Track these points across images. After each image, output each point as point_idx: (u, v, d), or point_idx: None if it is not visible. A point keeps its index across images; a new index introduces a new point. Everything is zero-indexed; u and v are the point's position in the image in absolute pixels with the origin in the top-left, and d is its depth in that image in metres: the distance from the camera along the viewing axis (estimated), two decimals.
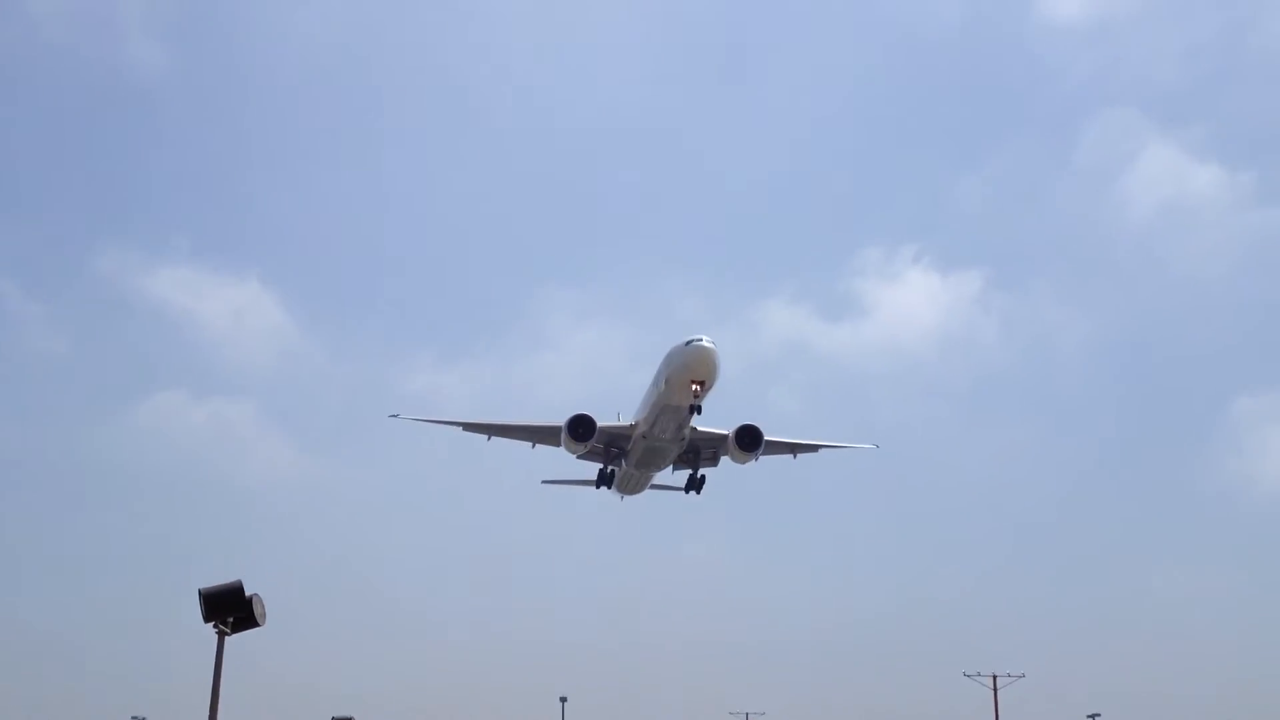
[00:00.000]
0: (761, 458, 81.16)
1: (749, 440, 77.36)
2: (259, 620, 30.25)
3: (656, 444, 77.43)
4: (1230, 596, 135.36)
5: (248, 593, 29.80)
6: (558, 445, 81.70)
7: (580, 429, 76.05)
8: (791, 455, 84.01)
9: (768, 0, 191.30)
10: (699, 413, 70.35)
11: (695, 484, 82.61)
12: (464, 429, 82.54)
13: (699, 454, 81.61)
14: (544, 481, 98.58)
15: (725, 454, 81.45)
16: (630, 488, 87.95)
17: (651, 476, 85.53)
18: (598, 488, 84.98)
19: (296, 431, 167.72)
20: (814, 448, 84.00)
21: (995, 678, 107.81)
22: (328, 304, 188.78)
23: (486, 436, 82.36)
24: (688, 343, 68.77)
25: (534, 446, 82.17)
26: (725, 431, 78.64)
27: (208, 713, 29.17)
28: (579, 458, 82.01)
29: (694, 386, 68.72)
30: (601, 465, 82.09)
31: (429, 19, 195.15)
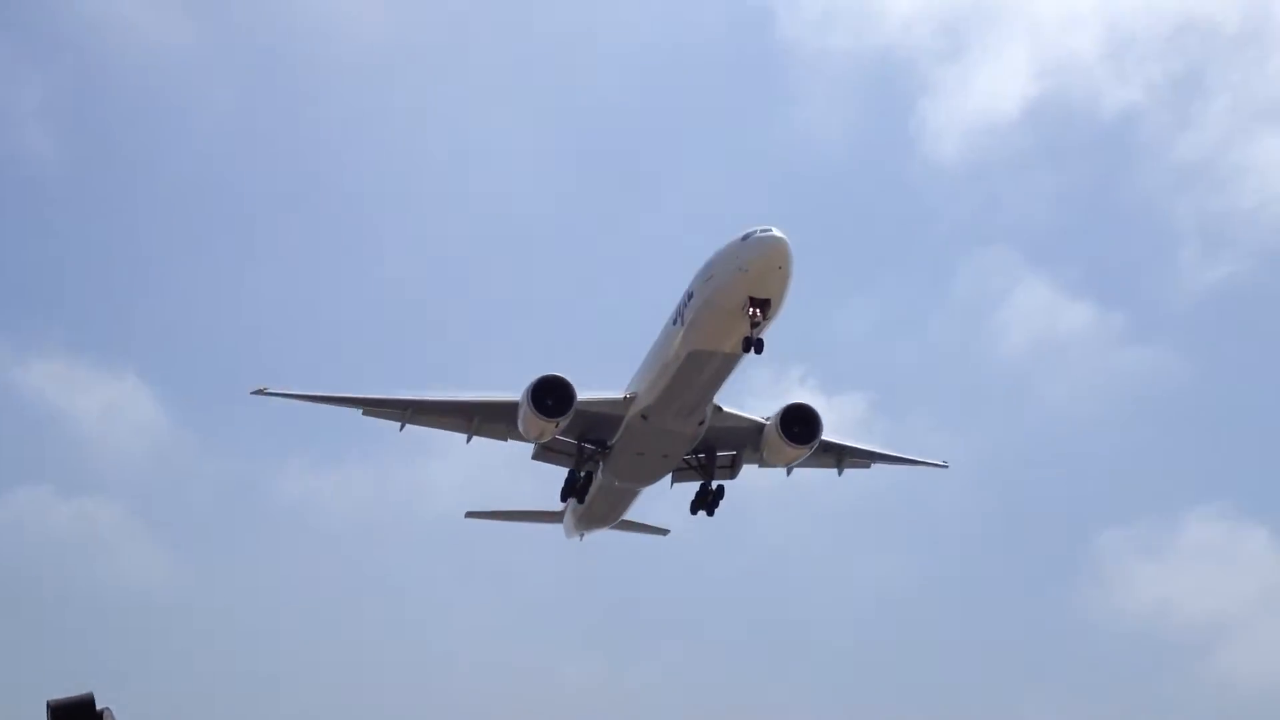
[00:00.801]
0: (798, 468, 56.35)
1: (801, 428, 51.72)
2: None
3: (660, 431, 51.16)
4: None
5: (99, 706, 22.70)
6: (504, 438, 55.26)
7: (550, 399, 49.55)
8: (836, 470, 58.58)
9: (661, 130, 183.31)
10: (758, 350, 44.05)
11: (707, 501, 56.12)
12: (365, 411, 55.36)
13: (714, 457, 55.57)
14: (469, 515, 71.85)
15: (747, 461, 55.86)
16: (600, 515, 61.24)
17: (636, 494, 59.00)
18: (564, 500, 57.91)
19: (166, 532, 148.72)
20: (868, 458, 58.59)
21: None
22: (204, 402, 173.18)
23: (399, 425, 55.41)
24: (745, 237, 43.09)
25: (469, 439, 55.47)
26: (760, 418, 52.95)
27: None
28: (537, 454, 55.53)
29: (752, 310, 42.77)
30: (571, 468, 55.35)
31: (314, 123, 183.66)
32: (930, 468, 60.90)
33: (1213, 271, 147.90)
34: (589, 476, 54.95)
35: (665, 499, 61.85)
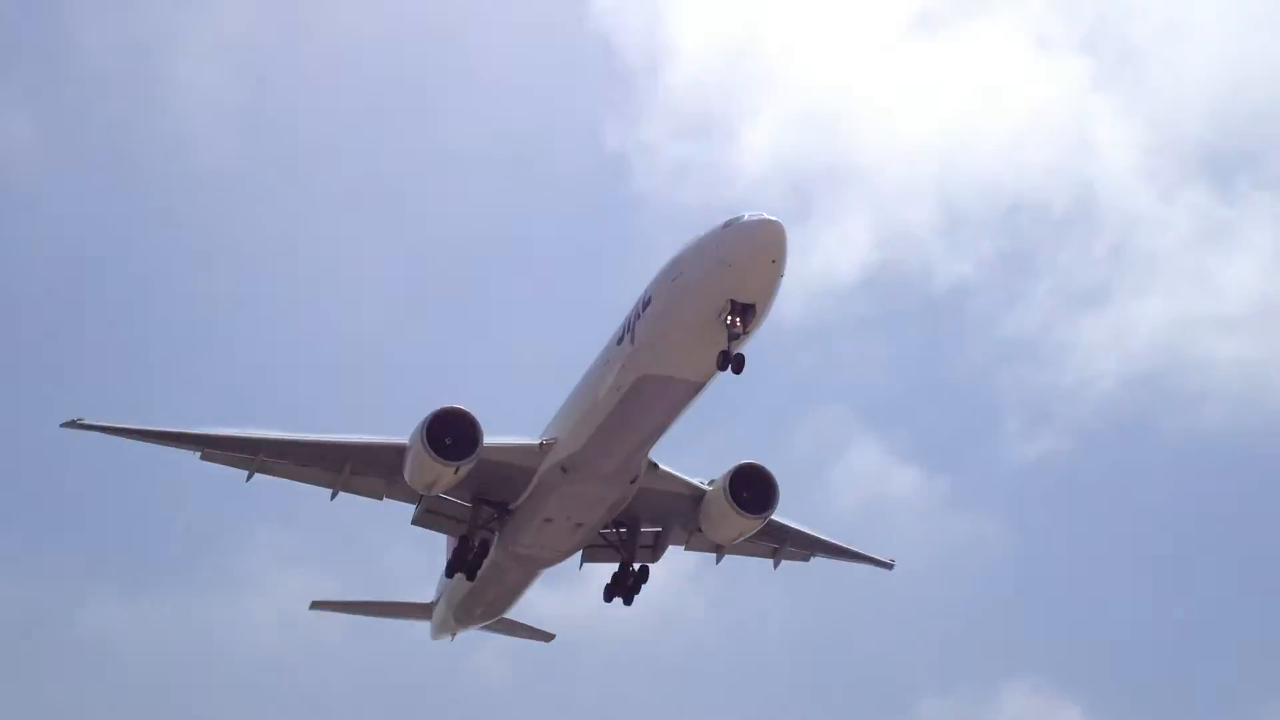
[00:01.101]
0: (732, 552, 47.21)
1: (755, 495, 42.38)
2: None
3: (582, 489, 41.13)
4: None
5: None
6: (380, 495, 44.45)
7: (448, 437, 39.22)
8: (773, 561, 49.21)
9: (507, 267, 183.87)
10: (737, 369, 34.71)
11: (626, 585, 45.77)
12: (204, 455, 43.65)
13: (636, 532, 45.69)
14: (314, 605, 59.65)
15: (674, 540, 46.09)
16: (485, 603, 50.30)
17: (534, 577, 48.40)
18: (450, 575, 46.83)
19: None
20: (813, 546, 49.35)
21: None
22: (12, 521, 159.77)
23: (246, 474, 44.06)
24: (728, 224, 33.89)
25: (334, 495, 44.43)
26: (700, 483, 43.48)
27: None
28: (420, 517, 44.65)
29: (731, 319, 33.62)
30: (464, 534, 44.60)
31: (148, 246, 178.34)
32: (878, 566, 51.82)
33: (1033, 445, 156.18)
34: (484, 545, 44.23)
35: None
